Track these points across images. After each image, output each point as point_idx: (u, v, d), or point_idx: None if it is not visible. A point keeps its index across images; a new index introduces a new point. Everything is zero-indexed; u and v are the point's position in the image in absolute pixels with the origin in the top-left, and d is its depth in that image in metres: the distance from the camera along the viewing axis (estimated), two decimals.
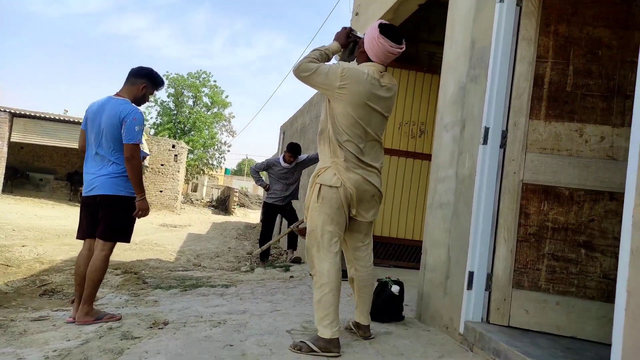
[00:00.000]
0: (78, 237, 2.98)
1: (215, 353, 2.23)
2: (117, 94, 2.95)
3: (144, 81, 2.98)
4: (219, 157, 31.63)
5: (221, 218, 19.96)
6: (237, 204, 25.85)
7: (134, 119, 2.82)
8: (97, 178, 2.84)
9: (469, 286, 2.60)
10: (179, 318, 2.89)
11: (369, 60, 2.47)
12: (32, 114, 16.17)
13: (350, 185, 2.35)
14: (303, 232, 5.38)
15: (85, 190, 2.90)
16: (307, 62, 2.37)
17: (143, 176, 16.98)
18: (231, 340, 2.42)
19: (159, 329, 2.62)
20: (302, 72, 2.36)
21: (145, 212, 2.91)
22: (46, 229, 9.16)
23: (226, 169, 46.15)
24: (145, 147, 15.04)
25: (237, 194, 25.89)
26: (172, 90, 29.34)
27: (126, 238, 2.92)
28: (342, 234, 2.42)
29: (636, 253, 1.61)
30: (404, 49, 2.47)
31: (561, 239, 2.54)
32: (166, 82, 28.75)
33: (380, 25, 2.43)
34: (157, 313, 3.03)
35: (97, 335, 2.45)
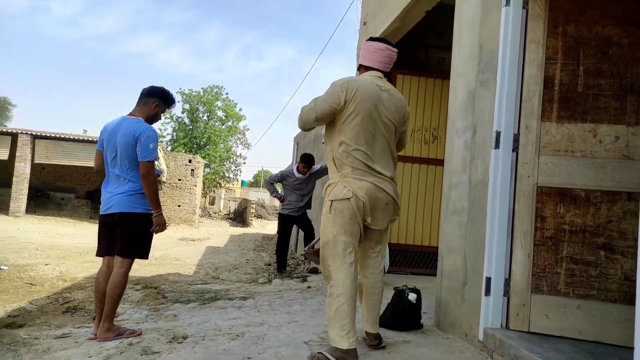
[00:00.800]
0: (97, 255, 3.04)
1: None
2: (130, 114, 3.02)
3: (155, 100, 3.05)
4: (235, 169, 31.93)
5: (239, 230, 20.08)
6: (254, 216, 25.99)
7: (148, 136, 2.88)
8: (114, 196, 2.90)
9: (487, 292, 2.57)
10: (198, 332, 2.92)
11: (367, 70, 2.57)
12: (53, 135, 16.58)
13: (362, 194, 2.34)
14: (317, 253, 5.43)
15: (103, 209, 2.96)
16: (305, 107, 2.51)
17: (161, 192, 16.98)
18: (249, 353, 2.43)
19: (178, 343, 2.65)
20: (307, 115, 2.47)
21: (162, 227, 2.96)
22: (68, 247, 9.34)
23: (242, 181, 46.51)
24: (162, 164, 15.25)
25: (254, 206, 26.05)
26: (187, 106, 29.79)
27: (144, 254, 2.97)
28: (357, 243, 2.41)
29: None
30: (395, 50, 2.59)
31: (579, 242, 2.50)
32: (180, 98, 29.35)
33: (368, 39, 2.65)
34: (177, 327, 3.06)
35: (117, 351, 2.48)
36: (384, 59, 2.53)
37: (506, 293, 2.57)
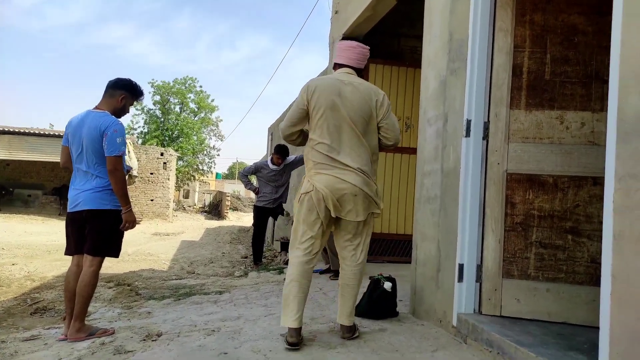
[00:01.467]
0: (66, 254, 2.94)
1: None
2: (96, 107, 2.91)
3: (122, 92, 2.95)
4: (209, 162, 31.52)
5: (214, 223, 19.88)
6: (230, 208, 25.76)
7: (115, 130, 2.79)
8: (81, 193, 2.80)
9: (460, 278, 2.62)
10: (173, 328, 2.87)
11: (340, 68, 2.62)
12: (16, 130, 15.97)
13: (321, 186, 2.41)
14: None
15: (70, 206, 2.86)
16: (283, 120, 2.64)
17: (133, 186, 16.52)
18: (225, 348, 2.41)
19: (153, 340, 2.60)
20: (284, 124, 2.59)
21: (132, 224, 2.88)
22: (37, 245, 9.05)
23: (217, 174, 45.97)
24: (133, 158, 14.89)
25: (229, 198, 25.81)
26: (158, 98, 29.13)
27: (114, 252, 2.88)
28: (314, 234, 2.47)
29: (618, 237, 1.62)
30: (367, 47, 2.65)
31: (548, 227, 2.56)
32: (152, 89, 28.67)
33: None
34: (151, 325, 3.00)
35: (89, 352, 2.42)
36: (355, 55, 2.59)
37: (478, 279, 2.62)
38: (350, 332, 2.55)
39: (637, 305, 1.56)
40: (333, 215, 2.44)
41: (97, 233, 2.79)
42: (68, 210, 2.89)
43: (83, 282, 2.75)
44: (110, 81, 2.99)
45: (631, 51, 1.63)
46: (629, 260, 1.60)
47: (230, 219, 23.18)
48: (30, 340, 2.79)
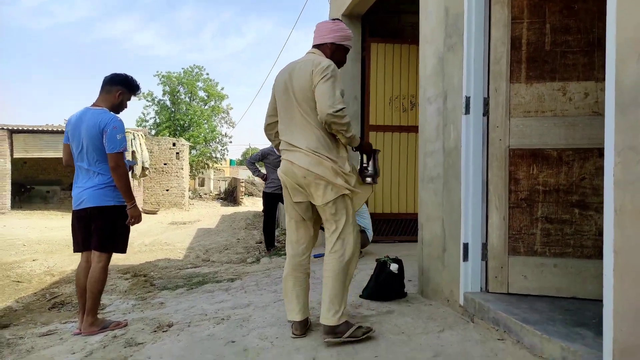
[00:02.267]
0: (75, 251, 2.99)
1: (217, 351, 2.26)
2: (94, 104, 2.92)
3: (119, 88, 2.94)
4: (221, 149, 31.65)
5: (230, 209, 20.05)
6: (245, 194, 25.91)
7: (114, 127, 2.80)
8: (84, 191, 2.83)
9: (465, 257, 2.60)
10: (184, 318, 2.92)
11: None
12: (31, 129, 16.21)
13: (280, 172, 2.43)
14: None
15: (74, 204, 2.90)
16: None
17: (147, 178, 16.49)
18: (233, 337, 2.44)
19: (163, 332, 2.65)
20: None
21: (137, 219, 2.91)
22: (57, 240, 9.25)
23: (231, 160, 46.19)
24: (144, 152, 14.99)
25: (243, 184, 25.93)
26: (166, 88, 29.20)
27: (120, 248, 2.91)
28: (294, 219, 2.48)
29: (620, 212, 1.58)
30: (329, 20, 2.53)
31: (553, 201, 2.51)
32: (159, 80, 28.71)
33: None
34: (162, 315, 3.06)
35: (101, 346, 2.48)
36: (317, 34, 2.50)
37: (484, 257, 2.59)
38: (329, 334, 2.22)
39: None
40: (292, 199, 2.42)
41: (102, 229, 2.83)
42: (73, 209, 2.93)
43: (92, 278, 2.80)
44: (106, 77, 2.99)
45: (627, 19, 1.56)
46: (630, 235, 1.56)
47: (246, 204, 23.35)
48: (46, 335, 2.87)
